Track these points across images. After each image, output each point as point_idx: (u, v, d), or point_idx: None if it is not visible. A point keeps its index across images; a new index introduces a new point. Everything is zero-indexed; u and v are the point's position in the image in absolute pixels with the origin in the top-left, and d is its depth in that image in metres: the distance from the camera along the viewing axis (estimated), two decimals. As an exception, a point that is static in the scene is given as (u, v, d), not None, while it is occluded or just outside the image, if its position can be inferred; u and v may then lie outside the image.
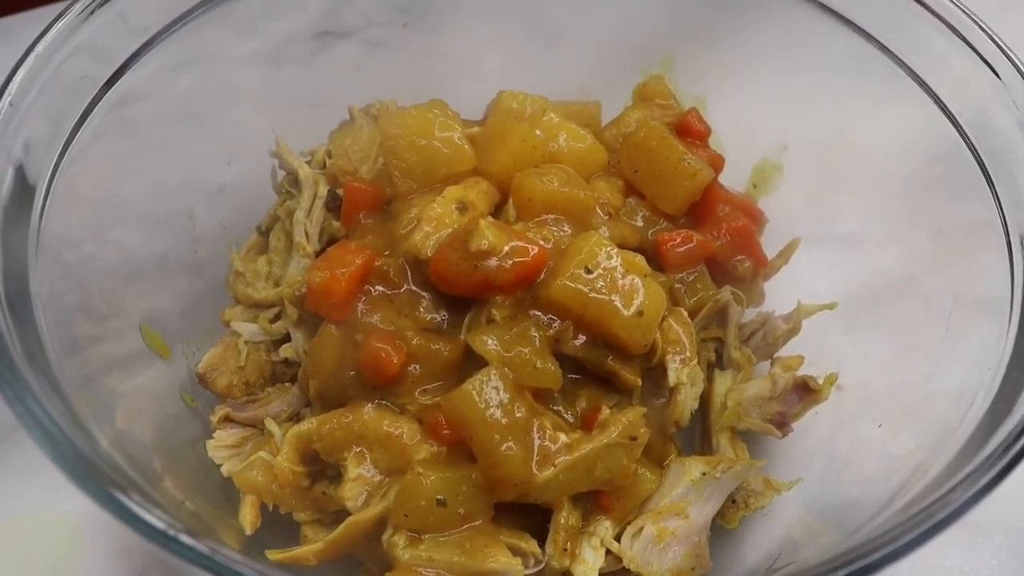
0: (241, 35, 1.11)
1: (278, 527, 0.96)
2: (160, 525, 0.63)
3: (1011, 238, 0.90)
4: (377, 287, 0.97)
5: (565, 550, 0.91)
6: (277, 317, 1.08)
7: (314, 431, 0.94)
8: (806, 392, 1.04)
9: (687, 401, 0.98)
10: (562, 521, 0.91)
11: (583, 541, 0.93)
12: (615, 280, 0.92)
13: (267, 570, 0.61)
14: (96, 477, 0.66)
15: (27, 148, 0.87)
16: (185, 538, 0.63)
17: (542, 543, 0.91)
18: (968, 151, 0.97)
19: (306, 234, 1.07)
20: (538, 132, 1.02)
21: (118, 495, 0.65)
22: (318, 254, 1.05)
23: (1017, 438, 0.70)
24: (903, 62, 1.02)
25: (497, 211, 1.01)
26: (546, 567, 0.91)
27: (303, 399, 1.02)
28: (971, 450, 0.74)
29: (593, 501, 0.95)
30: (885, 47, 1.04)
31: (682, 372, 0.97)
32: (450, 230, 0.96)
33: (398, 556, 0.87)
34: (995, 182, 0.93)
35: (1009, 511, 1.09)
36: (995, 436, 0.72)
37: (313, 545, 0.91)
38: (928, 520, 0.66)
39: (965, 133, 0.97)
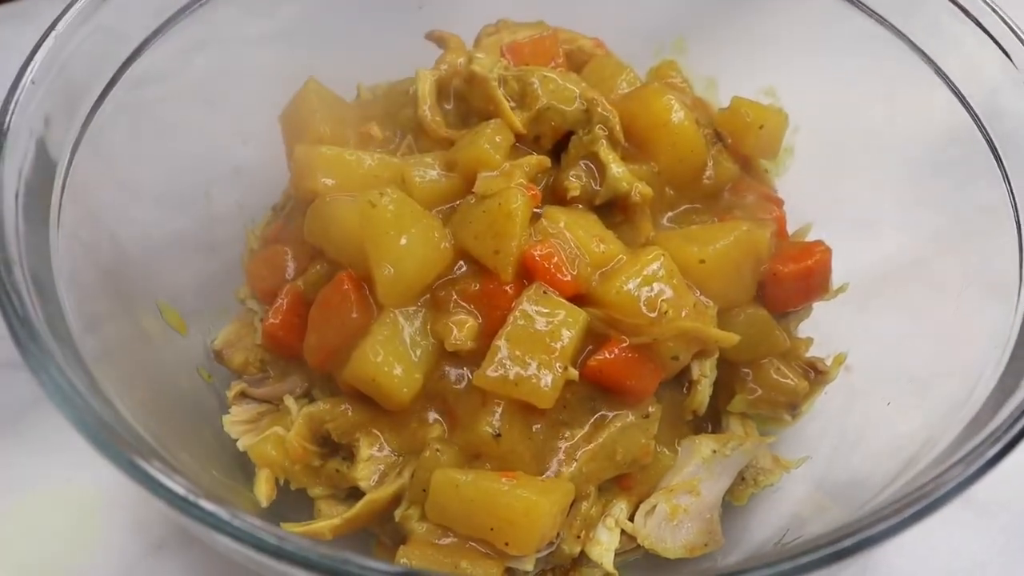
0: (256, 16, 1.12)
1: (293, 501, 0.97)
2: (181, 491, 0.64)
3: (1020, 219, 0.90)
4: None
5: (578, 537, 0.92)
6: (291, 295, 1.08)
7: (326, 412, 0.95)
8: (815, 374, 1.05)
9: (705, 391, 0.99)
10: (583, 510, 0.92)
11: (598, 523, 0.94)
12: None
13: (287, 536, 0.62)
14: (118, 443, 0.67)
15: (48, 125, 0.88)
16: (206, 503, 0.64)
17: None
18: (979, 133, 0.97)
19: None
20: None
21: (139, 461, 0.66)
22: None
23: (1016, 420, 0.70)
24: (915, 44, 1.03)
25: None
26: (556, 550, 0.92)
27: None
28: (978, 425, 0.75)
29: (615, 483, 0.96)
30: (897, 29, 1.04)
31: (704, 366, 0.98)
32: None
33: (413, 529, 0.89)
34: (1006, 164, 0.94)
35: (1016, 491, 1.10)
36: (1002, 411, 0.73)
37: (330, 521, 0.92)
38: (931, 494, 0.67)
39: (976, 115, 0.97)
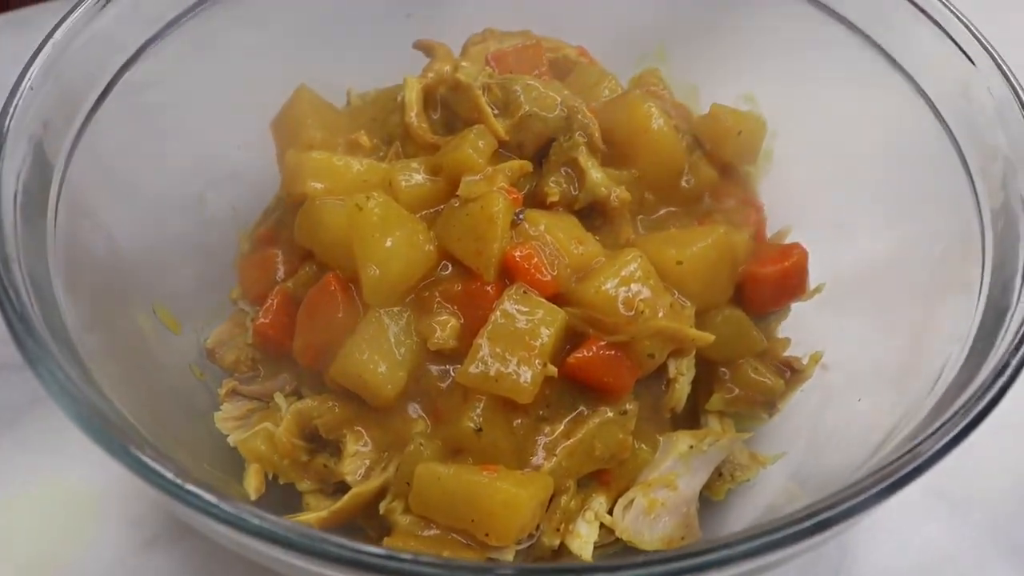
0: (248, 25, 1.14)
1: (282, 495, 0.99)
2: (171, 475, 0.67)
3: (983, 220, 0.93)
4: None
5: (558, 530, 0.94)
6: (283, 296, 1.11)
7: (314, 408, 0.98)
8: (791, 372, 1.08)
9: (684, 389, 1.01)
10: (562, 503, 0.94)
11: (577, 516, 0.96)
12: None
13: (270, 518, 0.65)
14: (112, 432, 0.70)
15: (46, 129, 0.91)
16: (194, 487, 0.66)
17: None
18: (946, 136, 1.00)
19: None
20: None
21: (133, 449, 0.68)
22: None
23: (976, 402, 0.74)
24: (887, 52, 1.06)
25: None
26: (536, 542, 0.94)
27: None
28: (936, 415, 0.78)
29: (594, 477, 0.98)
30: (870, 38, 1.07)
31: (681, 364, 1.00)
32: None
33: (397, 521, 0.91)
34: (970, 166, 0.97)
35: (987, 488, 1.13)
36: (954, 404, 0.76)
37: (317, 514, 0.95)
38: (886, 479, 0.70)
39: (943, 118, 1.00)
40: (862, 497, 0.67)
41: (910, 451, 0.72)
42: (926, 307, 0.98)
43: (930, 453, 0.70)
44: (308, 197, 0.98)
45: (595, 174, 1.00)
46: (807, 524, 0.66)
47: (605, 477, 0.98)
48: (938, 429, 0.73)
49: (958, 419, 0.73)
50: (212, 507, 0.65)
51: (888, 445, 0.79)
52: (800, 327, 1.11)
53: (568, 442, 0.94)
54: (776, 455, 1.04)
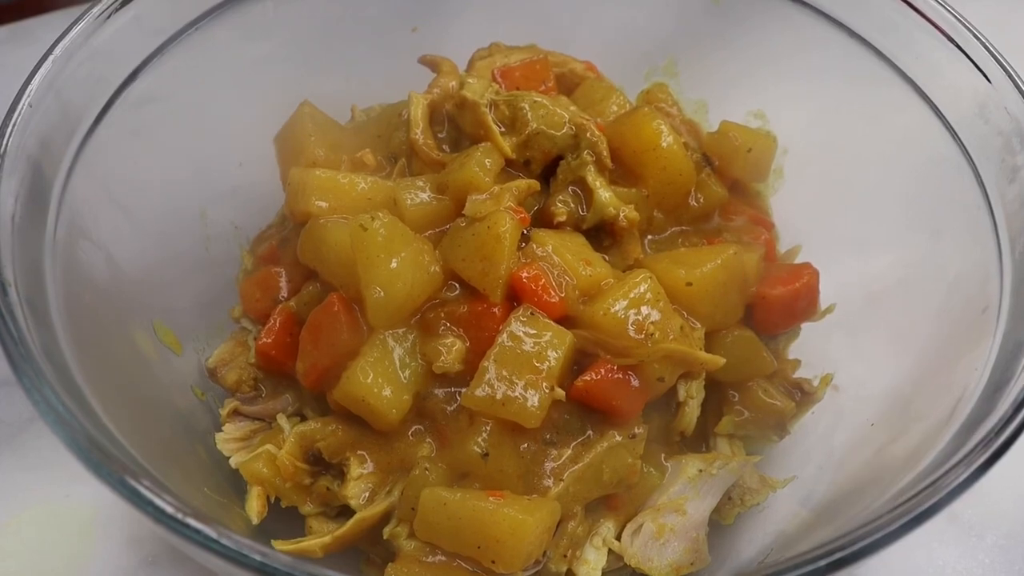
0: (251, 39, 1.13)
1: (285, 518, 0.98)
2: (170, 509, 0.66)
3: (1001, 243, 0.91)
4: None
5: (565, 556, 0.93)
6: (285, 314, 1.09)
7: (317, 430, 0.96)
8: (801, 394, 1.07)
9: (693, 412, 1.00)
10: (569, 529, 0.93)
11: (585, 542, 0.95)
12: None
13: (271, 553, 0.63)
14: (108, 462, 0.68)
15: (44, 148, 0.90)
16: (193, 521, 0.65)
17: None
18: (962, 156, 0.98)
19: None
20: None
21: (129, 480, 0.67)
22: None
23: (997, 435, 0.72)
24: (899, 68, 1.04)
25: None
26: (543, 568, 0.93)
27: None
28: (955, 446, 0.76)
29: (602, 502, 0.97)
30: (882, 53, 1.06)
31: (690, 387, 0.99)
32: None
33: (402, 546, 0.90)
34: (987, 187, 0.95)
35: (1002, 512, 1.11)
36: (976, 434, 0.74)
37: (320, 539, 0.93)
38: (908, 513, 0.68)
39: (959, 138, 0.99)
40: (882, 533, 0.66)
41: (931, 484, 0.70)
42: (940, 330, 0.97)
43: (951, 487, 0.69)
44: (312, 216, 0.97)
45: (603, 194, 0.99)
46: (824, 562, 0.64)
47: (613, 502, 0.97)
48: (959, 462, 0.71)
49: (979, 452, 0.71)
50: (212, 542, 0.64)
51: (905, 475, 0.77)
52: (811, 348, 1.10)
53: (576, 467, 0.92)
54: (787, 479, 1.03)
